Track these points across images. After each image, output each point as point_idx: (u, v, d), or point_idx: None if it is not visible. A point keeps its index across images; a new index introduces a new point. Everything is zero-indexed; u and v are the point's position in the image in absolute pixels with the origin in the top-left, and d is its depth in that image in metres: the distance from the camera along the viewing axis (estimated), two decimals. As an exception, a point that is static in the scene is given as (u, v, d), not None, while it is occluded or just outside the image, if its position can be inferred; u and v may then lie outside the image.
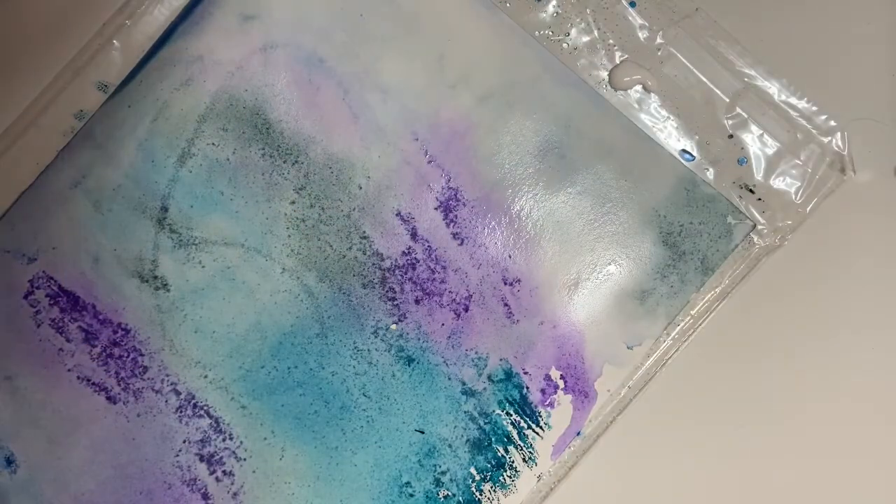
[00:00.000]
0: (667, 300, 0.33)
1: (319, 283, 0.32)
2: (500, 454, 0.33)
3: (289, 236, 0.32)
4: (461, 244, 0.33)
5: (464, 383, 0.33)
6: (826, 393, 0.34)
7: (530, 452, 0.33)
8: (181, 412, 0.32)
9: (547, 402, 0.33)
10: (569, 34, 0.34)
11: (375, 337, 0.32)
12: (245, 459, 0.32)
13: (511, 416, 0.33)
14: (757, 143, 0.34)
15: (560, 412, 0.33)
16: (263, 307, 0.32)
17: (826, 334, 0.34)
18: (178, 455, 0.32)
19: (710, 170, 0.34)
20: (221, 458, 0.32)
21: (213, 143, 0.32)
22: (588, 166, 0.33)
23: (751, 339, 0.34)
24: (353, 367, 0.32)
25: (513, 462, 0.33)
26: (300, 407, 0.32)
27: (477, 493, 0.32)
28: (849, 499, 0.34)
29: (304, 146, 0.33)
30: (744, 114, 0.34)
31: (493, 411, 0.33)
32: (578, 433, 0.33)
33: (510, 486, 0.33)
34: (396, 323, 0.32)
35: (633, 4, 0.34)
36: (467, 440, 0.32)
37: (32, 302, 0.32)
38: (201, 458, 0.32)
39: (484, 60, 0.33)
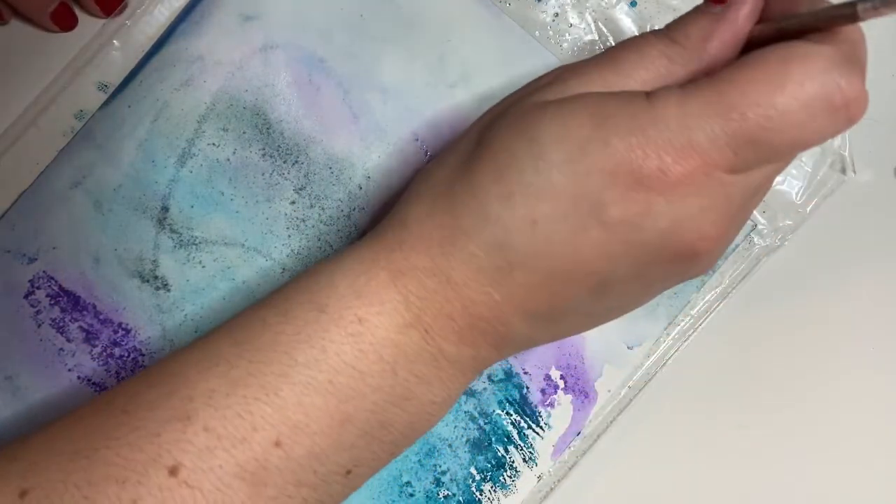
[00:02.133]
0: (667, 300, 0.33)
1: (319, 283, 0.32)
2: (500, 454, 0.33)
3: (289, 236, 0.32)
4: (461, 244, 0.33)
5: (464, 383, 0.33)
6: (826, 393, 0.34)
7: (530, 452, 0.33)
8: (181, 412, 0.32)
9: (547, 402, 0.33)
10: (569, 34, 0.34)
11: (375, 337, 0.32)
12: (245, 459, 0.32)
13: (511, 415, 0.33)
14: (757, 143, 0.34)
15: (560, 412, 0.33)
16: (263, 307, 0.32)
17: (826, 334, 0.34)
18: (178, 455, 0.32)
19: (711, 170, 0.33)
20: (221, 458, 0.32)
21: (214, 144, 0.32)
22: (588, 166, 0.33)
23: (751, 340, 0.34)
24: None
25: (513, 462, 0.33)
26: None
27: (477, 493, 0.32)
28: (848, 498, 0.34)
29: (304, 146, 0.33)
30: (744, 114, 0.34)
31: (494, 411, 0.33)
32: (579, 433, 0.33)
33: (510, 486, 0.33)
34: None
35: (633, 4, 0.34)
36: (467, 440, 0.32)
37: (33, 302, 0.32)
38: (201, 458, 0.32)
39: (484, 60, 0.33)
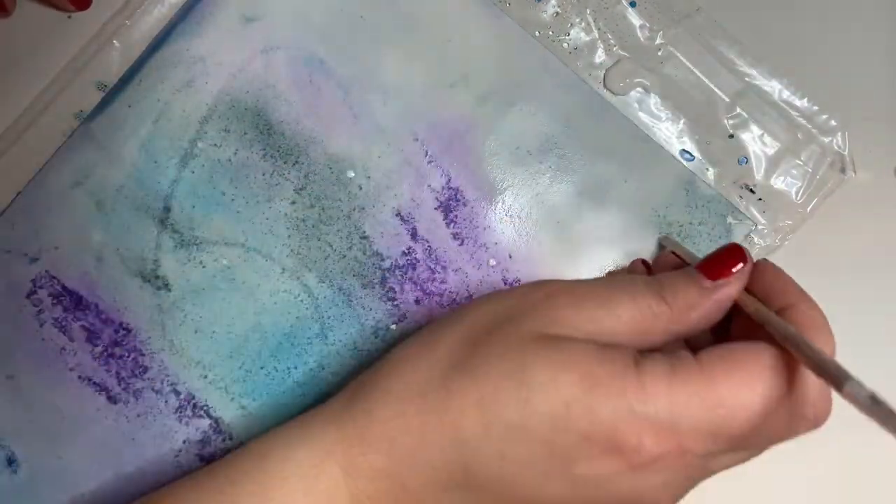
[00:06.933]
0: (667, 300, 0.33)
1: (319, 283, 0.32)
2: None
3: (289, 236, 0.32)
4: (461, 244, 0.33)
5: (464, 383, 0.33)
6: (826, 393, 0.34)
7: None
8: (181, 412, 0.32)
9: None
10: (569, 34, 0.34)
11: (375, 337, 0.32)
12: (246, 459, 0.32)
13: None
14: (757, 142, 0.34)
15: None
16: (263, 307, 0.32)
17: (826, 334, 0.34)
18: (178, 455, 0.32)
19: (711, 170, 0.33)
20: (222, 457, 0.32)
21: (215, 144, 0.32)
22: (588, 166, 0.33)
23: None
24: (354, 367, 0.32)
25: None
26: (300, 408, 0.32)
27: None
28: (848, 496, 0.34)
29: (304, 147, 0.33)
30: (744, 114, 0.33)
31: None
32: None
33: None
34: (396, 323, 0.33)
35: (633, 4, 0.34)
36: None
37: (35, 301, 0.32)
38: (201, 459, 0.32)
39: (484, 60, 0.33)
